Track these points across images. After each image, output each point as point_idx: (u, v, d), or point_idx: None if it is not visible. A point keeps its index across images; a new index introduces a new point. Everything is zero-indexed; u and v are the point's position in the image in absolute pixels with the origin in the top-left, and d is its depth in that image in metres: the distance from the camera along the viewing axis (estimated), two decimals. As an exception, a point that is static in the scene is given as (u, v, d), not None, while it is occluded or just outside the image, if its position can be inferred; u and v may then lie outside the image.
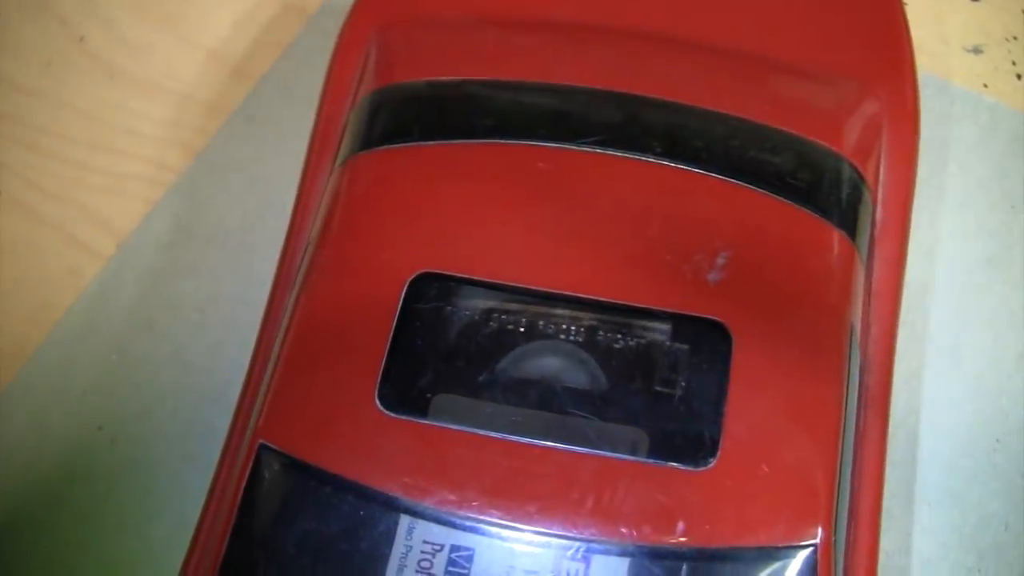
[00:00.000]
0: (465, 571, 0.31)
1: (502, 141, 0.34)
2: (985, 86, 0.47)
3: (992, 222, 0.44)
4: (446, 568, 0.31)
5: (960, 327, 0.43)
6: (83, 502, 0.41)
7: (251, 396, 0.35)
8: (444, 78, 0.37)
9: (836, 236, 0.34)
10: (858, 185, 0.35)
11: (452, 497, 0.30)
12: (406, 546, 0.31)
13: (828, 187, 0.34)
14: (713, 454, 0.30)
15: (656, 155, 0.34)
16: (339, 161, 0.36)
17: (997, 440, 0.41)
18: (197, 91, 0.47)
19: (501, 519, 0.30)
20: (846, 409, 0.31)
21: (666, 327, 0.33)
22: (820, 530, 0.30)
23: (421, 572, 0.31)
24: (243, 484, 0.31)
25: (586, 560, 0.31)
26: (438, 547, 0.31)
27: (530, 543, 0.30)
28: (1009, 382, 0.41)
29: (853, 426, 0.33)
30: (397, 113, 0.36)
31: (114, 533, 0.40)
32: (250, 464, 0.31)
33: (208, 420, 0.41)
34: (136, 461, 0.41)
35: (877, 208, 0.36)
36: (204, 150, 0.46)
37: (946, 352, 0.42)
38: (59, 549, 0.40)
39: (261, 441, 0.31)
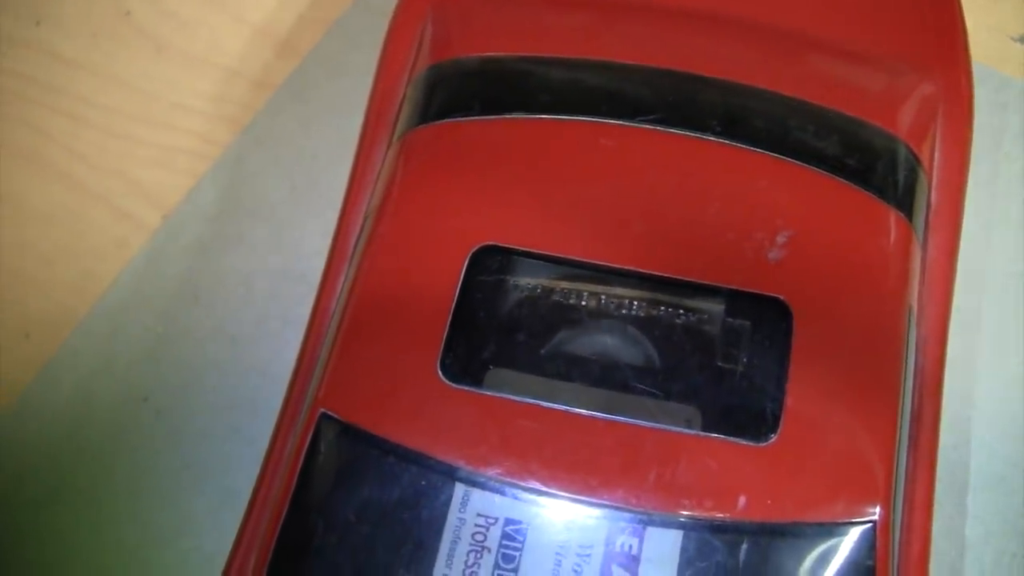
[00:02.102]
0: (519, 544, 0.31)
1: (562, 117, 0.34)
2: (1032, 75, 0.47)
3: (1038, 210, 0.44)
4: (500, 541, 0.31)
5: (1005, 315, 0.43)
6: (128, 473, 0.41)
7: (306, 367, 0.35)
8: (502, 54, 0.37)
9: (894, 216, 0.34)
10: (914, 167, 0.35)
11: (512, 467, 0.30)
12: (460, 519, 0.31)
13: (886, 168, 0.34)
14: (774, 430, 0.30)
15: (716, 134, 0.34)
16: (397, 135, 0.36)
17: (1044, 428, 0.41)
18: (243, 66, 0.47)
19: (560, 490, 0.30)
20: (904, 388, 0.32)
21: (727, 304, 0.33)
22: (879, 508, 0.30)
23: (475, 545, 0.31)
24: (303, 452, 0.31)
25: (641, 534, 0.31)
26: (492, 520, 0.31)
27: (586, 516, 0.30)
28: (1056, 370, 0.41)
29: (910, 406, 0.33)
30: (456, 88, 0.36)
31: (159, 504, 0.40)
32: (310, 433, 0.31)
33: (253, 393, 0.42)
34: (181, 432, 0.41)
35: (932, 191, 0.36)
36: (250, 125, 0.46)
37: (992, 339, 0.42)
38: (105, 519, 0.40)
39: (322, 410, 0.31)
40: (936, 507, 0.38)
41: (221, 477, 0.40)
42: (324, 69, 0.47)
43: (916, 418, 0.34)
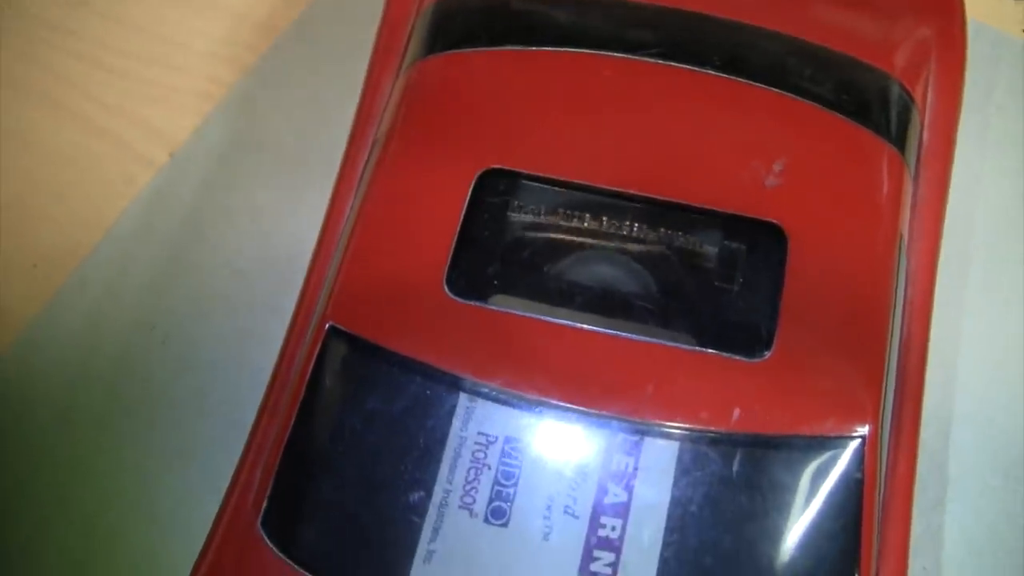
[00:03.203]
0: (518, 462, 0.32)
1: (567, 49, 0.35)
2: (1024, 31, 0.48)
3: (1028, 161, 0.45)
4: (500, 459, 0.32)
5: (995, 260, 0.44)
6: (137, 399, 0.42)
7: (311, 292, 0.36)
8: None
9: (886, 150, 0.35)
10: (908, 105, 0.36)
11: (513, 378, 0.31)
12: (461, 437, 0.32)
13: (880, 104, 0.36)
14: (768, 347, 0.31)
15: (715, 68, 0.35)
16: (406, 65, 0.37)
17: (1026, 367, 0.42)
18: (251, 9, 0.48)
19: (560, 401, 0.31)
20: (894, 313, 0.33)
21: (724, 228, 0.34)
22: (868, 424, 0.31)
23: (476, 462, 0.32)
24: (311, 364, 0.32)
25: (637, 451, 0.32)
26: (493, 438, 0.32)
27: (584, 431, 0.31)
28: (1040, 314, 0.42)
29: (899, 331, 0.34)
30: (464, 20, 0.37)
31: (167, 428, 0.41)
32: (319, 345, 0.32)
33: (259, 324, 0.42)
34: (188, 361, 0.42)
35: (924, 130, 0.37)
36: (257, 67, 0.47)
37: (979, 283, 0.43)
38: (114, 443, 0.41)
39: (330, 323, 0.32)
40: (922, 442, 0.39)
41: (228, 404, 0.41)
42: (330, 12, 0.48)
43: (905, 345, 0.35)
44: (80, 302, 0.43)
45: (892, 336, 0.33)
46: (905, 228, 0.34)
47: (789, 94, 0.35)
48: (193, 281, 0.43)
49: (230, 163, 0.45)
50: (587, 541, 0.31)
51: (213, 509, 0.34)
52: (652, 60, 0.35)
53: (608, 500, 0.32)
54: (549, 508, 0.32)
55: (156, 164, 0.46)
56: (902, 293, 0.34)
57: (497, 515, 0.32)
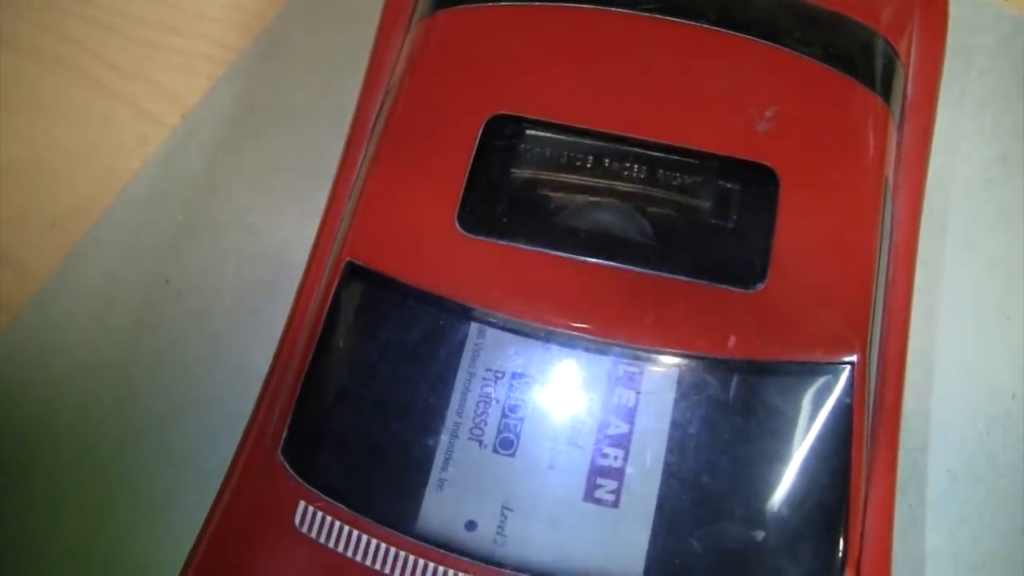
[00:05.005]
0: (524, 396, 0.34)
1: (569, 4, 0.37)
2: (1005, -1, 0.50)
3: (1007, 123, 0.47)
4: (508, 393, 0.33)
5: (975, 218, 0.45)
6: (153, 349, 0.43)
7: (326, 236, 0.37)
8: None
9: (872, 99, 0.37)
10: (892, 59, 0.38)
11: (521, 307, 0.33)
12: (470, 373, 0.34)
13: (865, 57, 0.37)
14: (762, 279, 0.33)
15: (711, 22, 0.37)
16: (416, 20, 0.39)
17: (1007, 318, 0.44)
18: (260, -22, 0.50)
19: (565, 329, 0.33)
20: (880, 250, 0.34)
21: (720, 169, 0.36)
22: (857, 352, 0.33)
23: (484, 397, 0.34)
24: (330, 298, 0.34)
25: (638, 385, 0.33)
26: (500, 373, 0.34)
27: (588, 360, 0.33)
28: (1019, 267, 0.44)
29: (885, 270, 0.36)
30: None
31: (181, 377, 0.43)
32: (337, 280, 0.34)
33: (270, 277, 0.44)
34: (201, 313, 0.44)
35: (908, 84, 0.39)
36: (265, 32, 0.49)
37: (961, 240, 0.45)
38: (132, 392, 0.42)
39: (348, 259, 0.34)
40: (907, 388, 0.40)
41: (240, 352, 0.43)
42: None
43: (891, 286, 0.37)
44: (97, 258, 0.45)
45: (878, 272, 0.34)
46: (890, 173, 0.36)
47: (780, 46, 0.37)
48: (204, 236, 0.45)
49: (241, 124, 0.47)
50: (591, 469, 0.33)
51: (229, 452, 0.35)
52: (651, 15, 0.37)
53: (610, 431, 0.33)
54: (554, 439, 0.34)
55: (169, 126, 0.47)
56: (887, 234, 0.36)
57: (505, 445, 0.33)
